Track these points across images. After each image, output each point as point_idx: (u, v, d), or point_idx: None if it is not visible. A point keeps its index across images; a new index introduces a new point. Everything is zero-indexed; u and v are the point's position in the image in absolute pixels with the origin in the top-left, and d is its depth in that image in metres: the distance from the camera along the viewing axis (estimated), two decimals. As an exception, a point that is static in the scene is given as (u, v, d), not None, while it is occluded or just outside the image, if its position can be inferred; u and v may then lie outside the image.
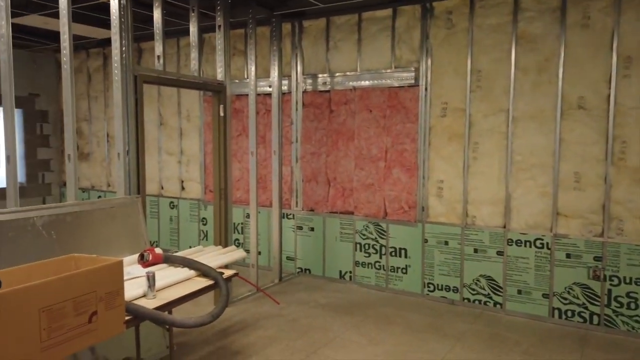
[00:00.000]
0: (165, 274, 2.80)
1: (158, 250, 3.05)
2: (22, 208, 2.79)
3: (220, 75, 4.30)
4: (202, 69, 5.99)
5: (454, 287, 4.54)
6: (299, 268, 5.46)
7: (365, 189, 4.97)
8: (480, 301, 4.42)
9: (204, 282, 2.81)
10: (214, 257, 3.26)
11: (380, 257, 4.92)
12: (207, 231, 6.11)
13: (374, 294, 4.82)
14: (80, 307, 1.83)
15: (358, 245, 5.05)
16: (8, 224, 2.62)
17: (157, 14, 3.83)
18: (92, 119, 7.35)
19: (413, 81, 4.62)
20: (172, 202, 6.43)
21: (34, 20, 5.26)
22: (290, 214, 5.46)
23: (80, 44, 6.76)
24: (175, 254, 3.16)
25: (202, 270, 2.89)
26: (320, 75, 5.16)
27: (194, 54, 4.19)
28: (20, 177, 7.46)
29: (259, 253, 5.59)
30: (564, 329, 3.98)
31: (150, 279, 2.51)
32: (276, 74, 4.95)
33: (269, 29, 5.05)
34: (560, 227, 4.05)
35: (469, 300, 4.48)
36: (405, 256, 4.79)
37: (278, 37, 4.94)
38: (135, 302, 2.39)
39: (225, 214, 4.35)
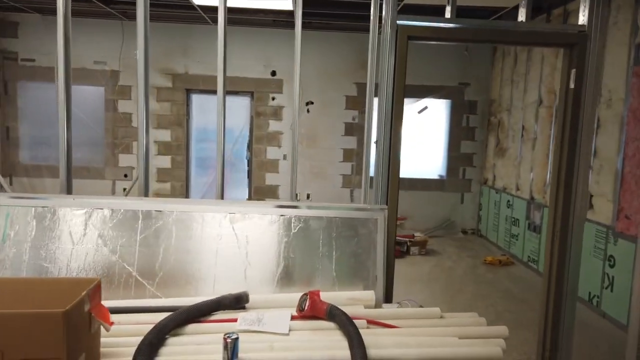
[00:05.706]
0: (300, 341, 1.70)
1: (339, 296, 1.95)
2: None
3: (582, 18, 2.40)
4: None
5: None
6: None
7: None
8: None
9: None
10: (444, 336, 1.78)
11: None
12: (613, 277, 3.95)
13: None
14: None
15: None
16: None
17: None
18: (512, 108, 6.27)
19: None
20: (574, 223, 4.56)
21: None
22: None
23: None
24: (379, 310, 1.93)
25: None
26: None
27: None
28: (442, 170, 7.35)
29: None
30: None
31: (229, 348, 1.51)
32: None
33: None
34: None
35: None
36: None
37: None
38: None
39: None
